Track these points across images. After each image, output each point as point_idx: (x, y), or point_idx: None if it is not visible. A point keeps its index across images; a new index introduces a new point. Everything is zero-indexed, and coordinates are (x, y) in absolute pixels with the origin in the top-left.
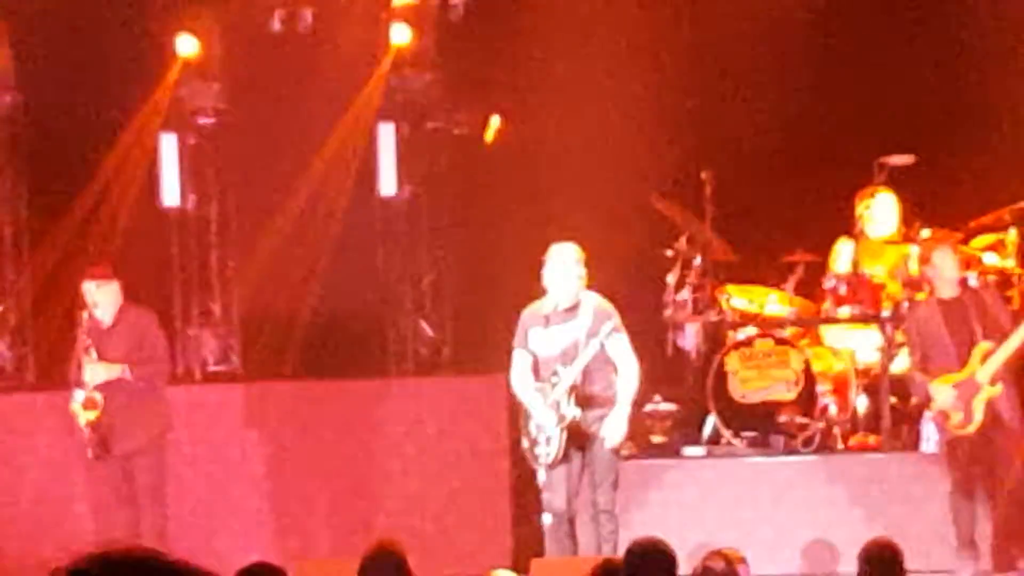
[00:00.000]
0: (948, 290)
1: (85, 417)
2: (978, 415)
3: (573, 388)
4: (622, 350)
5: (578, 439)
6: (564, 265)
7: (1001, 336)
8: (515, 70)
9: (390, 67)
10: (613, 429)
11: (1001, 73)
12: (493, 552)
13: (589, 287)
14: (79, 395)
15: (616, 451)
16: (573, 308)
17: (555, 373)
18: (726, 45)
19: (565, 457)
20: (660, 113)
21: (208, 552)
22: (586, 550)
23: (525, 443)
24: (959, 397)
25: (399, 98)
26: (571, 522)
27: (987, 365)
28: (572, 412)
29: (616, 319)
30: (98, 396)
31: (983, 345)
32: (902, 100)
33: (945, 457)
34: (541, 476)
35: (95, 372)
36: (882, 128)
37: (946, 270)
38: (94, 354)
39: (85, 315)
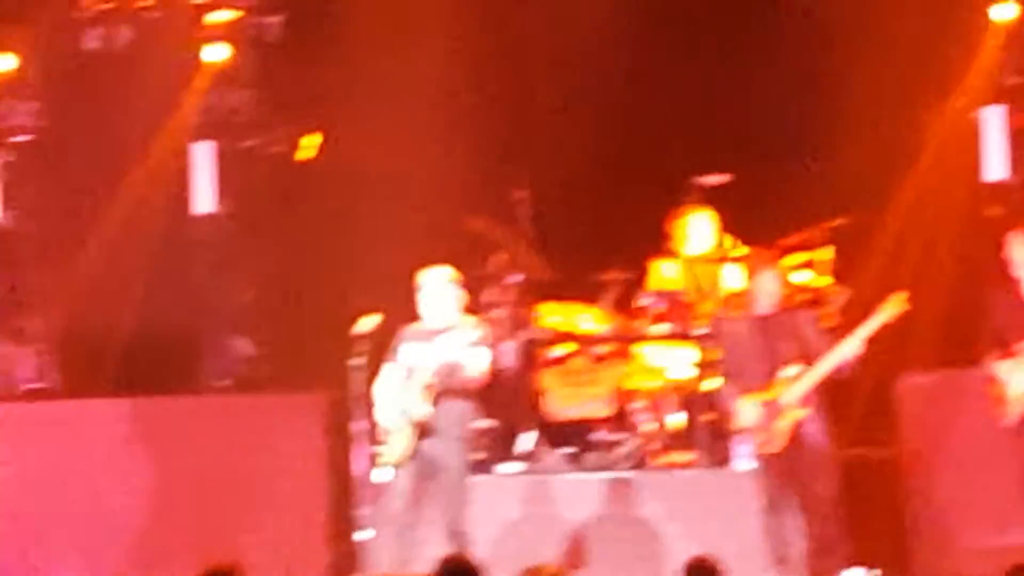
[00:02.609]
0: (765, 307)
1: None
2: (780, 436)
3: (428, 387)
4: (480, 362)
5: (431, 438)
6: (439, 287)
7: (813, 358)
8: (331, 88)
9: (206, 85)
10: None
11: (815, 93)
12: (310, 569)
13: (407, 305)
14: None
15: (465, 464)
16: (451, 327)
17: (413, 373)
18: (542, 64)
19: (414, 464)
20: (476, 131)
21: (26, 569)
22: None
23: (371, 447)
24: (764, 416)
25: (215, 116)
26: (410, 531)
27: (795, 386)
28: (423, 411)
29: (488, 341)
30: None
31: (791, 367)
32: (717, 119)
33: (757, 474)
34: (382, 476)
35: None
36: (697, 147)
37: (766, 286)
38: None
39: None
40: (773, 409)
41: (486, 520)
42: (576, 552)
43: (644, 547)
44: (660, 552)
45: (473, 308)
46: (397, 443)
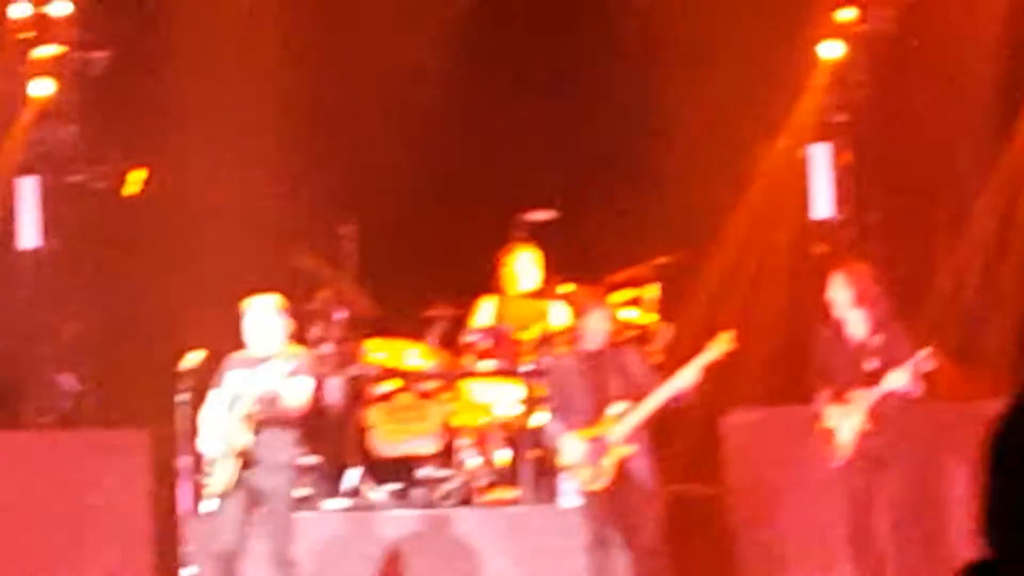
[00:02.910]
0: (594, 344)
1: None
2: (606, 473)
3: (249, 416)
4: (301, 392)
5: (251, 472)
6: (266, 314)
7: (639, 395)
8: (158, 124)
9: (32, 120)
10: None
11: (643, 129)
12: None
13: (234, 340)
14: None
15: (290, 494)
16: (276, 355)
17: (238, 400)
18: (368, 100)
19: (238, 495)
20: (303, 167)
21: None
22: None
23: (198, 476)
24: (589, 453)
25: (40, 151)
26: (231, 563)
27: (621, 424)
28: (244, 441)
29: (312, 370)
30: None
31: (618, 404)
32: (545, 155)
33: (583, 511)
34: (211, 506)
35: None
36: (524, 183)
37: (596, 324)
38: None
39: None
40: (600, 446)
41: (312, 556)
42: None
43: None
44: None
45: (299, 341)
46: (221, 473)
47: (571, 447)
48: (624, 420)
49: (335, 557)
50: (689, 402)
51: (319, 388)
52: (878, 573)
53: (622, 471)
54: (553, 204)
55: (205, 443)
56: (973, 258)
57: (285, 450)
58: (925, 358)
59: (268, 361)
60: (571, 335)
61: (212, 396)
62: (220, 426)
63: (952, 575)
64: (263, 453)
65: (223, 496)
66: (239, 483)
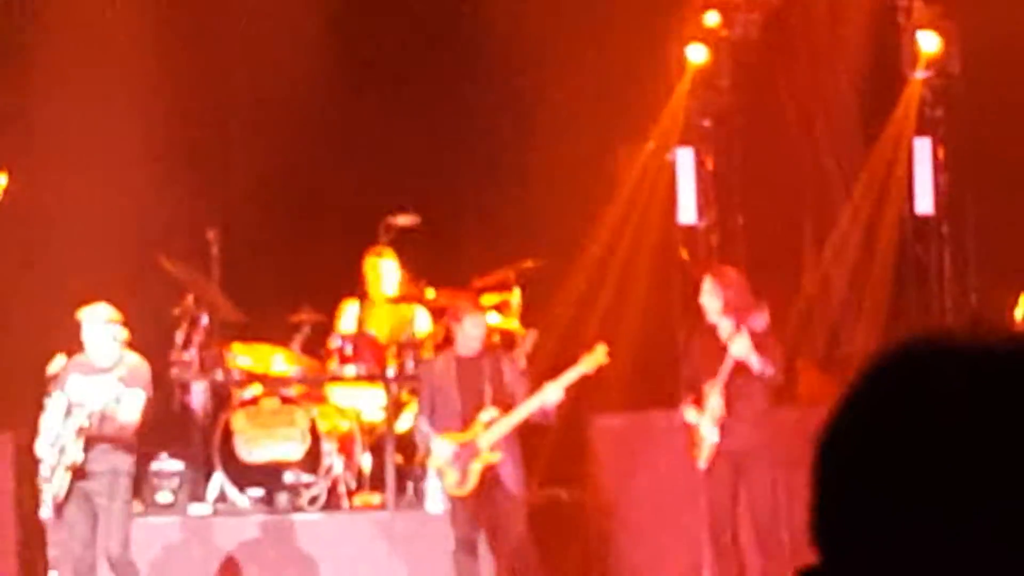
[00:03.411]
0: (468, 349)
1: None
2: (473, 478)
3: (81, 430)
4: (133, 406)
5: (89, 481)
6: (98, 326)
7: (509, 404)
8: (19, 126)
9: None
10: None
11: (505, 134)
12: None
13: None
14: None
15: (127, 501)
16: (112, 365)
17: (70, 414)
18: (236, 102)
19: (77, 504)
20: (168, 171)
21: None
22: None
23: (38, 479)
24: (458, 457)
25: None
26: (91, 568)
27: (490, 431)
28: (76, 455)
29: (145, 381)
30: None
31: (489, 410)
32: (410, 159)
33: (449, 515)
34: (44, 512)
35: None
36: (389, 188)
37: (471, 329)
38: None
39: None
40: (469, 450)
41: (176, 561)
42: None
43: None
44: None
45: (137, 346)
46: (57, 481)
47: (441, 449)
48: (494, 427)
49: (198, 563)
50: (554, 417)
51: (185, 392)
52: None
53: (489, 477)
54: (417, 208)
55: (42, 449)
56: (838, 264)
57: (118, 459)
58: (755, 317)
59: (104, 373)
60: (436, 340)
61: (53, 399)
62: (55, 434)
63: None
64: (94, 466)
65: (59, 504)
66: (73, 493)
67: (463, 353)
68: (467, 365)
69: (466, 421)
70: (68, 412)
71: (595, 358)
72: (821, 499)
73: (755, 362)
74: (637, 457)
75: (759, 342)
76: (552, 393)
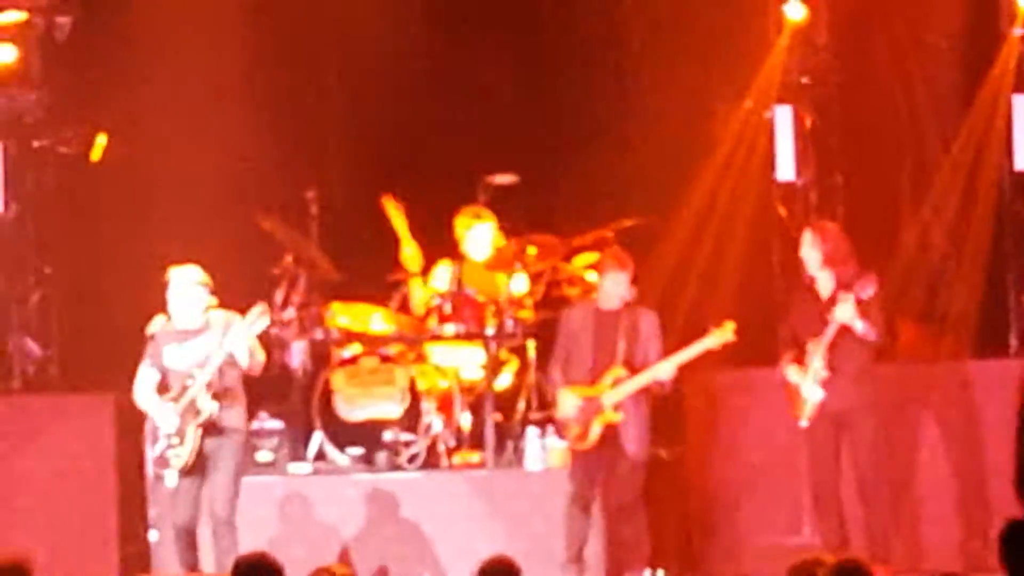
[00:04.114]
0: (608, 303)
1: None
2: (593, 435)
3: (209, 385)
4: (246, 348)
5: (212, 437)
6: (186, 288)
7: (642, 363)
8: (122, 88)
9: None
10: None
11: (603, 93)
12: (99, 570)
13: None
14: None
15: (240, 461)
16: (203, 328)
17: (190, 376)
18: (333, 63)
19: (196, 465)
20: (267, 131)
21: None
22: (205, 565)
23: (154, 452)
24: (581, 412)
25: (4, 117)
26: (192, 534)
27: (615, 390)
28: (210, 407)
29: (238, 323)
30: None
31: (617, 369)
32: (508, 118)
33: (568, 468)
34: (171, 481)
35: None
36: (486, 147)
37: (610, 285)
38: None
39: None
40: (593, 406)
41: (276, 520)
42: (366, 553)
43: (435, 547)
44: (451, 552)
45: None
46: (184, 446)
47: (566, 401)
48: (619, 387)
49: (299, 521)
50: (670, 386)
51: (284, 352)
52: (842, 535)
53: (610, 436)
54: (515, 167)
55: (162, 419)
56: (937, 220)
57: (235, 417)
58: (863, 286)
59: (201, 334)
60: (535, 298)
61: (144, 370)
62: (173, 403)
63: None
64: (219, 423)
65: (184, 472)
66: (197, 463)
67: (603, 306)
68: (605, 319)
69: (595, 376)
70: (178, 378)
71: (723, 334)
72: None
73: (859, 327)
74: (737, 415)
75: (864, 308)
76: (666, 369)
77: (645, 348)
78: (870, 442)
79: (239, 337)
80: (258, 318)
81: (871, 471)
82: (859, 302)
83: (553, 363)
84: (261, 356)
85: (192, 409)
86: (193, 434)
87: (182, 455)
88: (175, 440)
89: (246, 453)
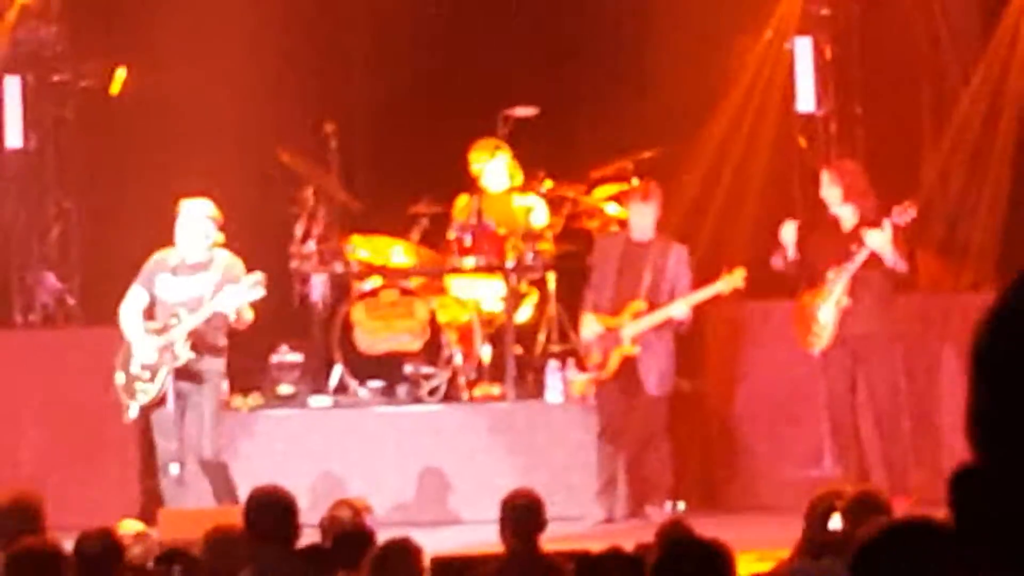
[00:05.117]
0: (639, 234)
1: None
2: (612, 365)
3: (192, 334)
4: (229, 303)
5: (187, 381)
6: (193, 221)
7: (667, 300)
8: (142, 22)
9: (14, 20)
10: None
11: (622, 24)
12: (121, 503)
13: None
14: None
15: (223, 401)
16: (204, 263)
17: (175, 315)
18: None
19: (172, 401)
20: (285, 64)
21: None
22: (199, 500)
23: (122, 378)
24: (602, 340)
25: (24, 50)
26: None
27: (635, 323)
28: (186, 355)
29: (244, 280)
30: None
31: (638, 302)
32: (526, 51)
33: (595, 399)
34: (133, 413)
35: None
36: (506, 79)
37: (635, 216)
38: None
39: None
40: (612, 337)
41: (297, 453)
42: (385, 486)
43: (455, 480)
44: (471, 485)
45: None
46: (154, 384)
47: (588, 326)
48: (639, 320)
49: (320, 454)
50: (687, 326)
51: (305, 285)
52: (861, 468)
53: (628, 368)
54: (534, 100)
55: (140, 349)
56: (957, 150)
57: (217, 364)
58: (901, 212)
59: (202, 271)
60: (554, 231)
61: (134, 291)
62: (155, 335)
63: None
64: (195, 367)
65: (147, 408)
66: (171, 398)
67: (634, 237)
68: (634, 250)
69: (617, 307)
70: (165, 313)
71: (733, 280)
72: (979, 399)
73: (889, 255)
74: (756, 347)
75: (896, 237)
76: (679, 309)
77: (672, 282)
78: (886, 372)
79: (229, 300)
80: (252, 287)
81: (888, 402)
82: (896, 228)
83: (588, 289)
84: (249, 316)
85: (169, 349)
86: (164, 377)
87: (149, 392)
88: (146, 375)
89: (254, 386)
